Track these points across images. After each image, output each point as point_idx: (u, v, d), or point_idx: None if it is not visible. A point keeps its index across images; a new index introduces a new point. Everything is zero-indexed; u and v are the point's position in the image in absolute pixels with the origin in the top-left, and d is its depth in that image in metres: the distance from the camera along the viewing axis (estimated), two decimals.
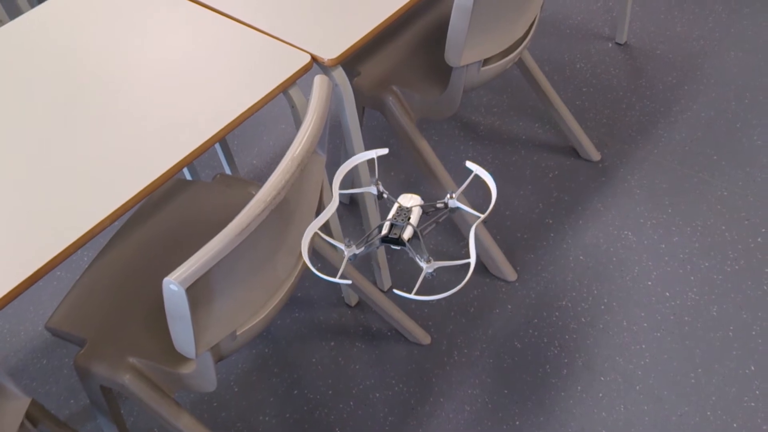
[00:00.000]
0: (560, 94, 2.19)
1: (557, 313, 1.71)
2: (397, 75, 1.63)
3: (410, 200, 0.95)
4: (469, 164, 0.99)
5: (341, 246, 0.92)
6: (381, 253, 1.73)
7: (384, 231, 0.93)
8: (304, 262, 1.26)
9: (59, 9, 1.45)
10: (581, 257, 1.81)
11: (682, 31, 2.35)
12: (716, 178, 1.94)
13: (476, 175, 0.99)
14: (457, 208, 0.98)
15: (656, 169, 1.98)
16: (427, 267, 0.90)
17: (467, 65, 1.47)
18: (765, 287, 1.72)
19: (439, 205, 0.98)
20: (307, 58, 1.31)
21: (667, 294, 1.73)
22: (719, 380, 1.58)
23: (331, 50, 1.32)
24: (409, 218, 0.93)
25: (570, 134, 2.01)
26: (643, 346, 1.64)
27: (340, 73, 1.35)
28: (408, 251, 0.91)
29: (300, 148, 1.03)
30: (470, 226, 1.73)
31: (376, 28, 1.36)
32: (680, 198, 1.91)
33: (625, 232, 1.85)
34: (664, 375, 1.60)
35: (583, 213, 1.90)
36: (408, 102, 1.61)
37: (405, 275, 1.81)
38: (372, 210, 1.62)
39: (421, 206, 0.95)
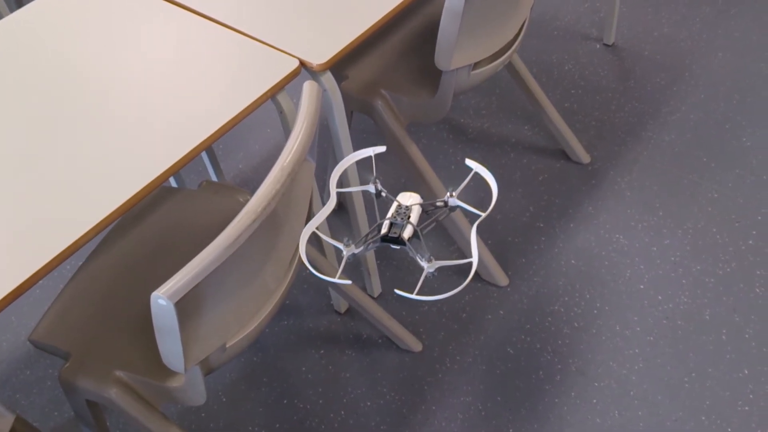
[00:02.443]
0: (549, 96, 2.18)
1: (550, 318, 1.70)
2: (386, 79, 1.61)
3: (409, 199, 0.93)
4: (468, 162, 0.98)
5: (340, 246, 0.91)
6: (371, 259, 1.70)
7: (384, 230, 0.91)
8: (294, 273, 1.23)
9: (40, 13, 1.41)
10: (573, 261, 1.80)
11: (669, 32, 2.35)
12: (706, 179, 1.94)
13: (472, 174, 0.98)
14: (458, 207, 0.96)
15: (646, 171, 1.97)
16: (428, 266, 0.88)
17: (457, 69, 1.45)
18: (757, 290, 1.71)
19: (438, 204, 0.96)
20: (296, 63, 1.28)
21: (660, 297, 1.72)
22: (713, 384, 1.57)
23: (319, 55, 1.30)
24: (408, 217, 0.91)
25: (559, 136, 1.99)
26: (637, 351, 1.63)
27: (329, 78, 1.32)
28: (408, 251, 0.90)
29: (290, 157, 1.00)
30: (466, 227, 1.71)
31: (365, 32, 1.34)
32: (671, 200, 1.90)
33: (617, 236, 1.84)
34: (658, 380, 1.59)
35: (574, 216, 1.89)
36: (397, 106, 1.59)
37: (395, 281, 1.79)
38: (361, 212, 1.59)
39: (421, 205, 0.93)
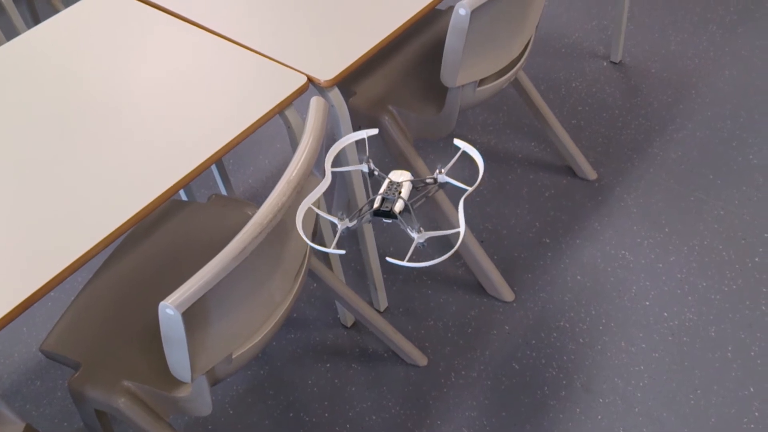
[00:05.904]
0: (556, 113, 2.19)
1: (555, 334, 1.71)
2: (393, 95, 1.63)
3: (401, 176, 0.99)
4: (456, 141, 1.02)
5: (334, 220, 0.94)
6: (377, 273, 1.72)
7: (376, 204, 0.95)
8: (300, 285, 1.25)
9: (56, 30, 1.45)
10: (579, 277, 1.80)
11: (676, 50, 2.36)
12: (712, 197, 1.94)
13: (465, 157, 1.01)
14: (447, 183, 0.99)
15: (652, 188, 1.98)
16: (418, 237, 0.92)
17: (463, 85, 1.47)
18: (763, 307, 1.72)
19: (428, 180, 1.00)
20: (304, 80, 1.31)
21: (665, 314, 1.72)
22: (719, 401, 1.57)
23: (327, 71, 1.32)
24: (399, 192, 0.96)
25: (566, 153, 2.01)
26: (642, 368, 1.63)
27: (336, 94, 1.35)
28: (399, 223, 0.94)
29: (296, 170, 1.02)
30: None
31: (372, 48, 1.36)
32: (677, 217, 1.91)
33: (623, 252, 1.84)
34: (664, 396, 1.59)
35: (580, 232, 1.90)
36: (404, 121, 1.61)
37: (401, 296, 1.80)
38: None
39: (412, 181, 0.97)
